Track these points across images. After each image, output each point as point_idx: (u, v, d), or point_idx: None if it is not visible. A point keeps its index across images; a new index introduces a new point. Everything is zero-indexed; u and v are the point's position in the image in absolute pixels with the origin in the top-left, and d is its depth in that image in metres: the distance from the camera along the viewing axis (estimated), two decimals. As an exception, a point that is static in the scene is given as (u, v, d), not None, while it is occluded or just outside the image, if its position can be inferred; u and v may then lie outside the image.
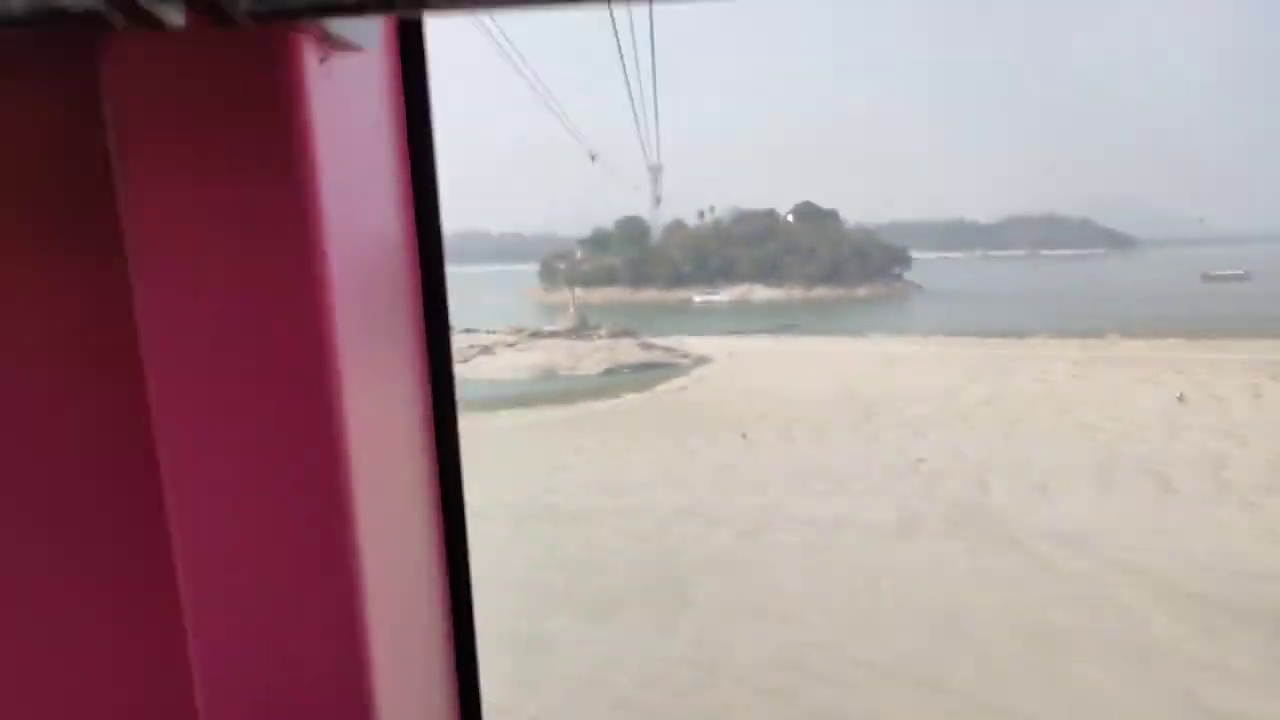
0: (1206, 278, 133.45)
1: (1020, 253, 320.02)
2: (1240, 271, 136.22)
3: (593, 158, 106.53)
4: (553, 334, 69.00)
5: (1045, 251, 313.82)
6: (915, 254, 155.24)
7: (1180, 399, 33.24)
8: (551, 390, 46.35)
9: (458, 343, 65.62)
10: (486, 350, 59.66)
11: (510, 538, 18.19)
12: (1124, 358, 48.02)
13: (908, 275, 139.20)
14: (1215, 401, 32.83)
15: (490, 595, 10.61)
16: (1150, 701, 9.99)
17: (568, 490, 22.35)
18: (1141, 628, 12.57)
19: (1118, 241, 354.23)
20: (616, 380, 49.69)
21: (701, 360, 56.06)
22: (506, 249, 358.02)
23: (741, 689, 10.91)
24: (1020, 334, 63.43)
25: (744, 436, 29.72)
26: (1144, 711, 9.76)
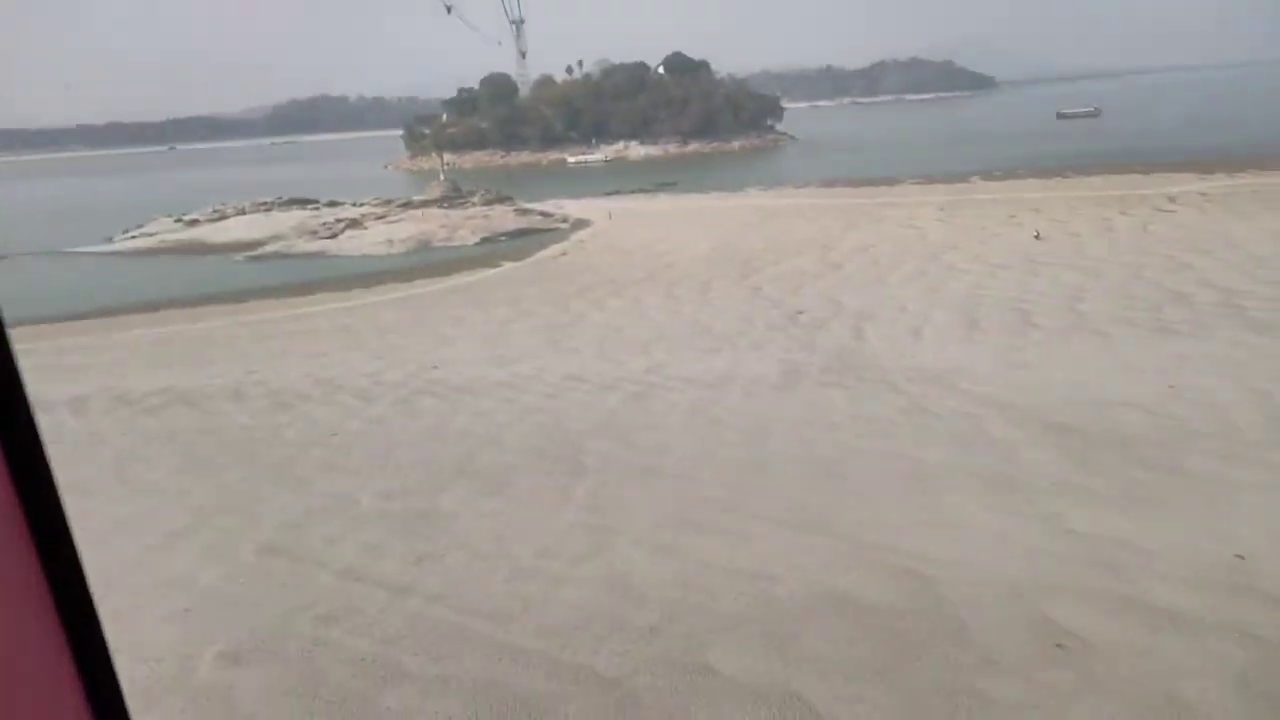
0: (1061, 115, 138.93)
1: (888, 98, 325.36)
2: (1091, 108, 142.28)
3: (448, 9, 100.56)
4: (424, 203, 66.39)
5: (910, 96, 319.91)
6: (787, 104, 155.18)
7: (1037, 237, 34.89)
8: (427, 263, 44.97)
9: (322, 216, 62.54)
10: (354, 224, 57.02)
11: (396, 415, 17.79)
12: (986, 200, 49.87)
13: (780, 126, 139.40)
14: (1071, 238, 34.63)
15: (381, 475, 10.33)
16: (1021, 528, 10.69)
17: (452, 364, 21.92)
18: (1009, 459, 13.36)
19: (979, 83, 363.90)
20: (494, 249, 48.54)
21: (580, 224, 55.26)
22: (365, 115, 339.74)
23: (639, 548, 11.11)
24: (890, 181, 64.89)
25: (634, 301, 29.69)
26: (1017, 538, 10.44)
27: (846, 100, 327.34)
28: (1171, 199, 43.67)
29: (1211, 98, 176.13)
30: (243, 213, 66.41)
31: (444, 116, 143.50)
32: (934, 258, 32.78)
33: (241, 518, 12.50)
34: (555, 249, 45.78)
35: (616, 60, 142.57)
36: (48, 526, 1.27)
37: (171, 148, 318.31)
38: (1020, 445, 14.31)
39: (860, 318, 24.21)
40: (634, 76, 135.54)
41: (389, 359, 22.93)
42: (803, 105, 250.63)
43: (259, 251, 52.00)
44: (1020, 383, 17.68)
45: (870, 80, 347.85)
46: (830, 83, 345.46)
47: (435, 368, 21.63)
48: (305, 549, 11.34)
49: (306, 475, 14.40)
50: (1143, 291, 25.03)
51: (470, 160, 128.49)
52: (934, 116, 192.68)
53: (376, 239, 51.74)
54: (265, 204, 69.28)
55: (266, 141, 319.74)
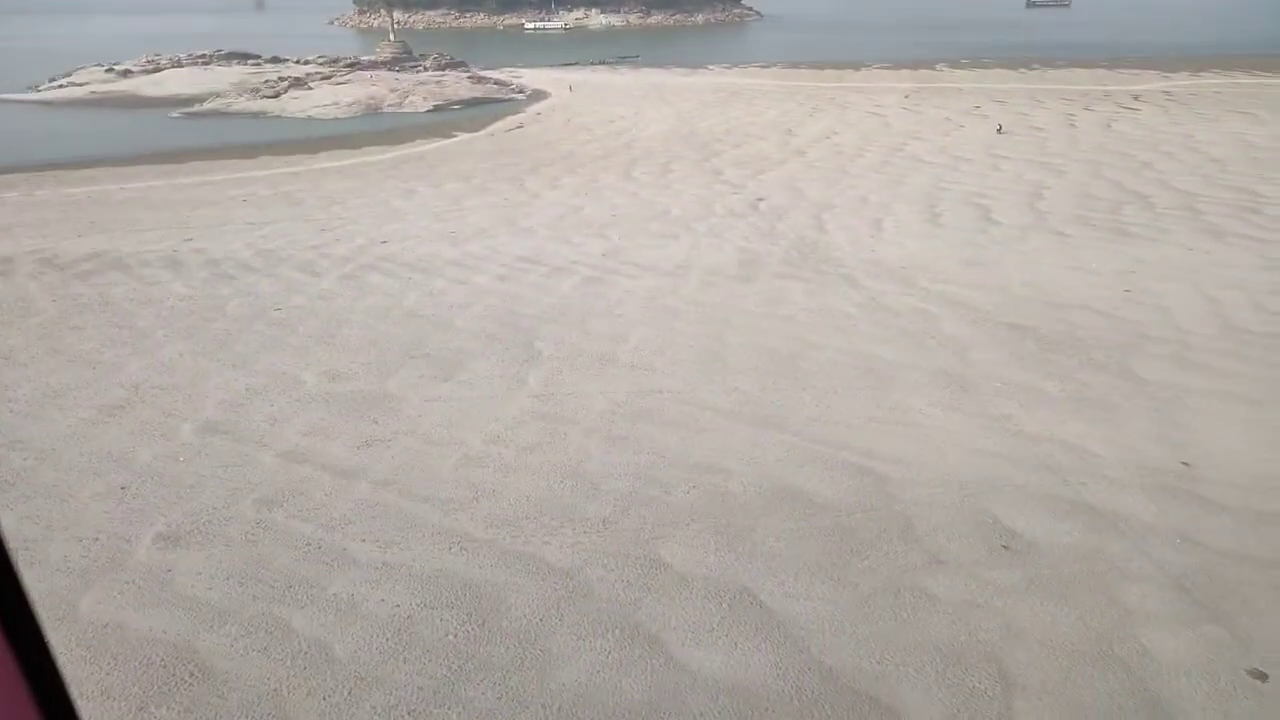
0: (1031, 4, 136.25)
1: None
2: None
3: None
4: (373, 64, 63.14)
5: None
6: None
7: (999, 130, 34.47)
8: (376, 129, 43.03)
9: (264, 73, 59.26)
10: (299, 83, 54.08)
11: (343, 291, 17.21)
12: (951, 89, 49.04)
13: (745, 1, 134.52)
14: (1034, 132, 34.32)
15: (327, 354, 9.94)
16: (972, 429, 10.78)
17: (402, 240, 21.19)
18: (963, 359, 13.41)
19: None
20: (447, 118, 46.57)
21: (537, 95, 53.18)
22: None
23: (592, 438, 11.00)
24: (856, 65, 63.32)
25: (591, 180, 28.84)
26: (967, 438, 10.53)
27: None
28: (1136, 97, 43.38)
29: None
30: (179, 65, 62.53)
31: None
32: (898, 148, 32.29)
33: (180, 395, 12.08)
34: (511, 121, 44.05)
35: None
36: None
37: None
38: (974, 345, 14.35)
39: (821, 207, 23.86)
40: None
41: (335, 231, 22.10)
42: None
43: (197, 109, 49.04)
44: (977, 280, 17.64)
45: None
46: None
47: (384, 242, 20.91)
48: (247, 429, 11.01)
49: (248, 352, 13.93)
50: (1102, 191, 25.00)
51: (422, 20, 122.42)
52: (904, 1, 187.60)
53: (322, 100, 49.22)
54: (203, 56, 65.23)
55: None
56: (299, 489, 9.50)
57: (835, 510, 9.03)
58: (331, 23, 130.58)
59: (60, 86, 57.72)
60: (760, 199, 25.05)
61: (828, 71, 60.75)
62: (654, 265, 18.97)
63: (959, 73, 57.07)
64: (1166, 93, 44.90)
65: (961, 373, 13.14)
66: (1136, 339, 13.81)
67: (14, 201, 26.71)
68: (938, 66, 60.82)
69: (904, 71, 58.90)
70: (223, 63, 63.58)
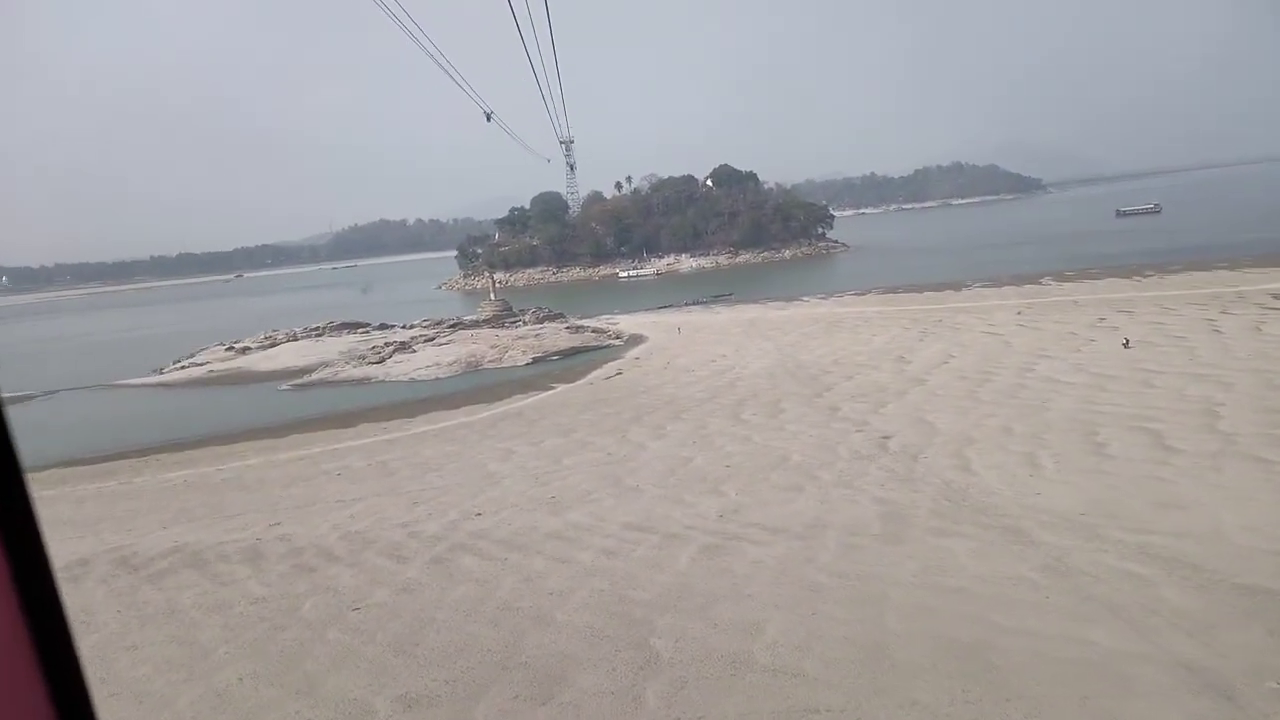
0: (1121, 213, 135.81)
1: (933, 203, 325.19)
2: (1152, 205, 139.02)
3: (488, 116, 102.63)
4: (474, 323, 65.20)
5: (956, 200, 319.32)
6: (833, 211, 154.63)
7: (1126, 345, 31.50)
8: (476, 386, 42.93)
9: (372, 340, 61.50)
10: (404, 347, 55.69)
11: (431, 581, 15.14)
12: (1065, 301, 46.80)
13: (830, 234, 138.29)
14: (1176, 342, 31.35)
15: (405, 671, 7.19)
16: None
17: (498, 510, 19.30)
18: (1206, 644, 10.22)
19: (1025, 185, 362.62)
20: (546, 369, 46.51)
21: (634, 340, 53.21)
22: (423, 237, 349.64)
23: None
24: (954, 285, 62.14)
25: (698, 426, 26.97)
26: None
27: (892, 207, 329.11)
28: (1275, 295, 40.18)
29: (1269, 189, 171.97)
30: (294, 338, 65.77)
31: (496, 235, 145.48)
32: (1027, 368, 29.69)
33: (225, 744, 9.85)
34: (610, 368, 43.49)
35: (664, 175, 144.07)
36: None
37: (238, 275, 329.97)
38: (1215, 621, 11.16)
39: (960, 442, 21.18)
40: (682, 190, 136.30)
41: (427, 504, 20.43)
42: (849, 213, 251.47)
43: (304, 379, 50.46)
44: (1181, 527, 14.46)
45: (915, 186, 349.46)
46: (874, 190, 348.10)
47: (478, 514, 19.04)
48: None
49: (317, 671, 11.78)
50: (1287, 404, 21.68)
51: (523, 278, 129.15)
52: (983, 219, 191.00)
53: (424, 362, 50.14)
54: (316, 329, 68.67)
55: (329, 266, 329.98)
56: None
57: None
58: (439, 287, 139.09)
59: (183, 367, 60.78)
60: (887, 436, 22.57)
61: (927, 294, 59.56)
62: (781, 526, 16.43)
63: (1067, 285, 54.97)
64: (1308, 288, 41.65)
65: (1215, 666, 9.95)
66: None
67: (110, 492, 26.28)
68: (1043, 280, 58.99)
69: (1008, 288, 57.18)
70: (334, 333, 66.61)
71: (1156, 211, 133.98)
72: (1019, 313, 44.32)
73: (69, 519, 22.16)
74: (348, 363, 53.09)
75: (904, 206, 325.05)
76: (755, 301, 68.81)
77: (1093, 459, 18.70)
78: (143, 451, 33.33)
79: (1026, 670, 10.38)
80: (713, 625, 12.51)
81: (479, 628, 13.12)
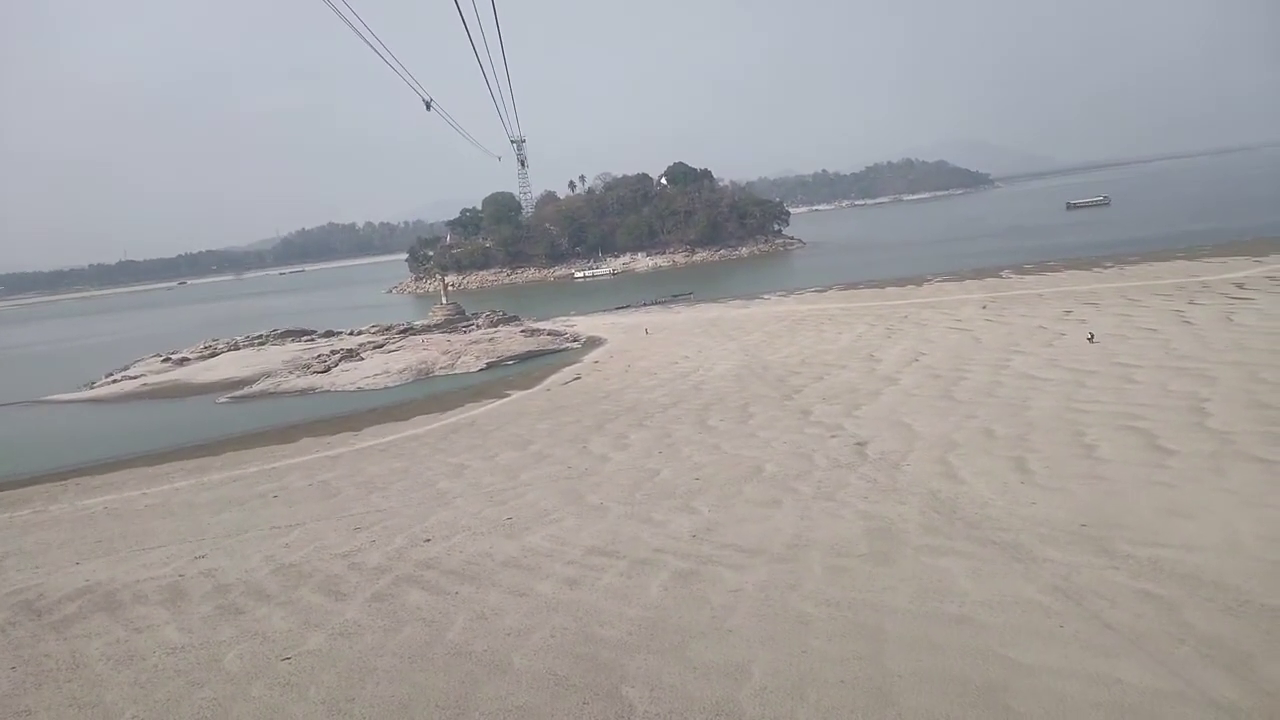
0: (1071, 206, 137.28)
1: (885, 199, 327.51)
2: (1101, 198, 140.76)
3: (428, 105, 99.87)
4: (425, 328, 62.90)
5: (908, 196, 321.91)
6: (787, 208, 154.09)
7: (1091, 339, 30.59)
8: (427, 395, 40.90)
9: (317, 348, 59.01)
10: (351, 355, 53.30)
11: (373, 625, 13.49)
12: (1029, 295, 46.09)
13: (786, 231, 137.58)
14: (1149, 334, 30.56)
15: None
16: None
17: (449, 535, 17.63)
18: (1244, 679, 9.04)
19: (974, 180, 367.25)
20: (501, 375, 44.54)
21: (593, 342, 51.49)
22: (374, 240, 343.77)
23: None
24: (915, 280, 61.36)
25: (663, 434, 25.43)
26: None
27: (844, 203, 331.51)
28: (1239, 285, 39.80)
29: (1212, 181, 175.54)
30: (235, 348, 62.83)
31: (448, 237, 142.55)
32: (1000, 364, 28.64)
33: None
34: (568, 372, 41.73)
35: (618, 174, 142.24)
36: None
37: (182, 282, 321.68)
38: (1251, 650, 10.02)
39: (942, 447, 19.95)
40: (637, 188, 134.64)
41: (371, 529, 18.67)
42: (802, 209, 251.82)
43: (244, 391, 47.76)
44: (1194, 539, 13.33)
45: (866, 182, 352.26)
46: (826, 187, 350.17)
47: (427, 540, 17.37)
48: None
49: (235, 740, 10.08)
50: (1274, 398, 20.81)
51: (476, 280, 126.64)
52: (935, 214, 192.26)
53: (372, 370, 47.89)
54: (259, 337, 65.81)
55: (276, 272, 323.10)
56: None
57: None
58: (390, 291, 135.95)
59: (115, 381, 57.27)
60: (864, 442, 21.29)
61: (889, 289, 58.72)
62: (760, 546, 15.03)
63: (1029, 278, 54.39)
64: (1271, 277, 41.31)
65: (1257, 707, 8.78)
66: None
67: (22, 522, 23.95)
68: (1004, 274, 58.42)
69: (969, 282, 56.49)
70: (278, 341, 63.82)
71: (1106, 204, 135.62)
72: (984, 307, 43.52)
73: (-28, 556, 19.98)
74: (291, 372, 50.58)
75: (856, 203, 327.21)
76: (716, 300, 67.50)
77: (1084, 462, 17.57)
78: (62, 475, 30.84)
79: (1047, 714, 9.13)
80: (691, 668, 11.06)
81: (426, 677, 11.54)
